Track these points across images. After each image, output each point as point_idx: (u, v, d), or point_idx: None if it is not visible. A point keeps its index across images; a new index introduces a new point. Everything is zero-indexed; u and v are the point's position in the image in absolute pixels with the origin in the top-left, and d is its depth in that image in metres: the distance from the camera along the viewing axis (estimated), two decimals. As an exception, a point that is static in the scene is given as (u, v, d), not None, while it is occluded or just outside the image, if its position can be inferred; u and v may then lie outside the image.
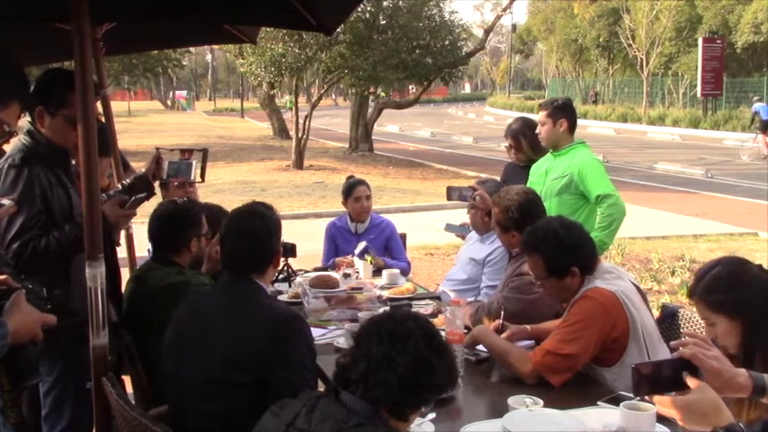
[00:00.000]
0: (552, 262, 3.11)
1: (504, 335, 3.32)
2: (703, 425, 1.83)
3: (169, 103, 66.66)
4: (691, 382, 1.85)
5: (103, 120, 4.12)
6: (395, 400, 1.97)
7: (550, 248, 3.10)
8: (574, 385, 2.92)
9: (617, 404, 2.49)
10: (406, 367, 1.95)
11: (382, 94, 23.84)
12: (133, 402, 2.75)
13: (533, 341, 3.35)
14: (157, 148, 3.65)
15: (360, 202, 5.33)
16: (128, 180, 3.56)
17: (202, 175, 3.70)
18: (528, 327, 3.45)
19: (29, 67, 4.34)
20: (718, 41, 33.78)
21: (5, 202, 2.69)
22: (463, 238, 4.92)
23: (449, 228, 5.30)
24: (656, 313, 3.75)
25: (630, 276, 3.34)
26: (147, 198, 3.45)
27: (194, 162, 3.67)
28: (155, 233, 3.49)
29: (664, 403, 1.88)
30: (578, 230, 3.20)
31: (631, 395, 2.40)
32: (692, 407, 1.83)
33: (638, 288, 3.20)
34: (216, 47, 45.68)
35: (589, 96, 47.40)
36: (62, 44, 3.24)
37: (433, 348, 2.01)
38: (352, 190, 5.36)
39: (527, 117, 5.62)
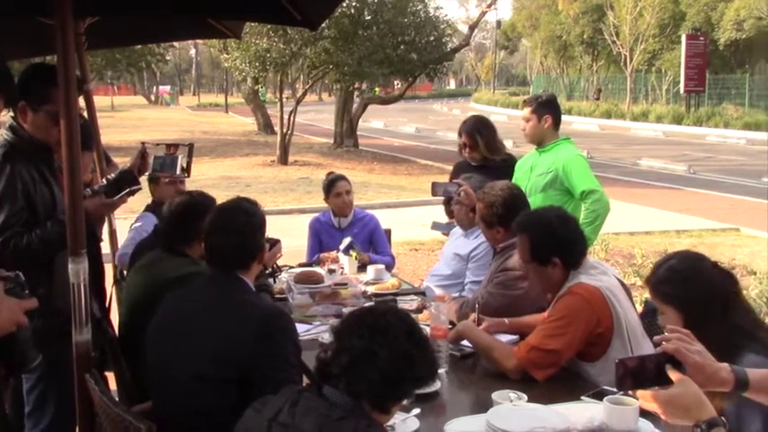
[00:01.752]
0: (537, 247, 3.14)
1: (481, 326, 3.33)
2: (685, 419, 1.84)
3: (153, 98, 66.20)
4: (673, 375, 1.86)
5: (86, 115, 4.08)
6: (376, 393, 1.98)
7: (539, 233, 3.14)
8: (558, 380, 2.93)
9: (601, 399, 2.51)
10: (387, 361, 1.96)
11: (376, 90, 23.57)
12: (117, 399, 2.74)
13: (518, 336, 3.37)
14: (143, 143, 3.62)
15: (341, 198, 5.33)
16: (112, 175, 3.54)
17: (188, 170, 3.67)
18: (506, 320, 3.46)
19: (10, 62, 4.30)
20: (701, 38, 33.96)
21: None
22: (448, 235, 4.92)
23: (435, 226, 5.30)
24: (640, 308, 3.77)
25: (615, 272, 3.36)
26: (133, 193, 3.44)
27: (180, 157, 3.64)
28: (168, 223, 3.46)
29: (647, 398, 1.89)
30: (572, 225, 3.24)
31: (615, 390, 2.41)
32: (675, 401, 1.84)
33: (622, 284, 3.22)
34: (200, 42, 45.42)
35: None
36: (44, 38, 3.22)
37: (414, 342, 2.02)
38: (333, 186, 5.37)
39: (482, 115, 5.56)
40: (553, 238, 3.13)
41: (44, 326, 2.57)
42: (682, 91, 34.50)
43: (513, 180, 4.69)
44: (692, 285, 2.38)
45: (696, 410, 1.82)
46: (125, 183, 3.41)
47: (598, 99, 43.60)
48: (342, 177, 5.47)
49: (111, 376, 3.40)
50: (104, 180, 3.57)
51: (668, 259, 2.50)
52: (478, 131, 5.10)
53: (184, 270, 3.24)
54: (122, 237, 4.63)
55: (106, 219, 4.15)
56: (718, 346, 2.08)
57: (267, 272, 4.60)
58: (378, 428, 1.96)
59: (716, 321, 2.30)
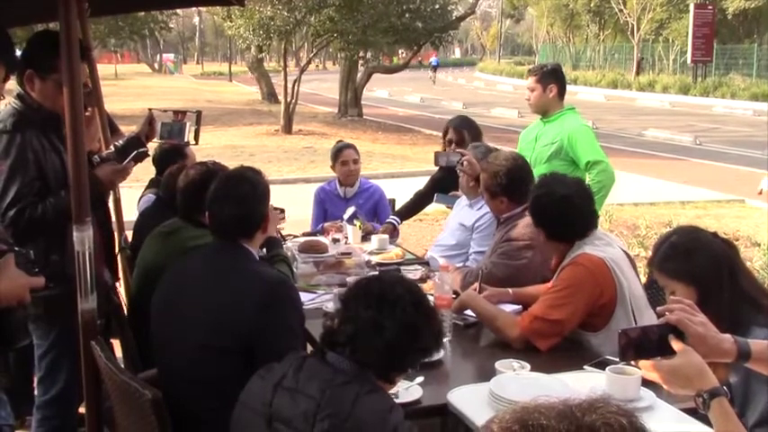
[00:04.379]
0: (537, 209, 3.20)
1: (483, 294, 3.34)
2: (687, 389, 1.85)
3: (156, 66, 65.88)
4: (675, 345, 1.87)
5: (90, 84, 4.06)
6: (381, 363, 2.00)
7: (544, 196, 3.17)
8: (561, 350, 2.95)
9: (603, 369, 2.53)
10: (393, 332, 1.97)
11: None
12: (122, 366, 2.75)
13: (521, 306, 3.38)
14: (150, 109, 3.59)
15: (347, 166, 5.31)
16: (120, 142, 3.52)
17: (196, 138, 3.64)
18: (510, 290, 3.47)
19: (12, 29, 4.27)
20: (710, 7, 33.59)
21: None
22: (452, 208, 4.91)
23: (439, 198, 5.29)
24: (644, 279, 3.78)
25: (620, 243, 3.36)
26: (142, 158, 3.42)
27: (188, 124, 3.61)
28: (185, 193, 3.44)
29: (649, 368, 1.90)
30: (582, 196, 3.19)
31: (617, 360, 2.43)
32: (677, 371, 1.85)
33: (627, 255, 3.22)
34: (203, 9, 45.04)
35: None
36: (46, 5, 3.18)
37: (421, 313, 2.03)
38: (340, 154, 5.34)
39: (467, 116, 5.55)
40: (554, 207, 3.14)
41: (57, 293, 2.58)
42: (689, 61, 34.18)
43: (518, 150, 4.67)
44: (696, 256, 2.38)
45: (698, 380, 1.83)
46: (132, 147, 3.39)
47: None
48: (350, 146, 5.44)
49: (116, 344, 3.42)
50: (112, 146, 3.56)
51: (667, 238, 2.51)
52: (466, 128, 5.12)
53: (201, 241, 3.23)
54: (127, 205, 4.63)
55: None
56: (727, 318, 2.09)
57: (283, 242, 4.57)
58: (380, 394, 1.98)
59: (726, 288, 2.32)
